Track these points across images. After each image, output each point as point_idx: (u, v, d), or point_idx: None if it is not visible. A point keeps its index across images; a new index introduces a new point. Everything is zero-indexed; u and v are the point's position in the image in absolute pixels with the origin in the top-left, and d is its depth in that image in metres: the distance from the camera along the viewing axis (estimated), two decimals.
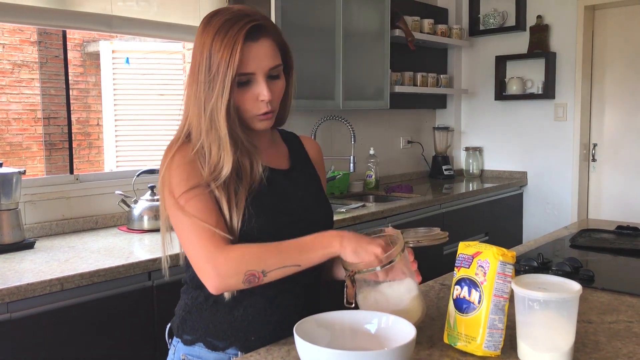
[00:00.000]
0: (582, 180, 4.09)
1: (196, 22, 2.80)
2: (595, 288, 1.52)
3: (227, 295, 1.16)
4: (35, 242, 2.16)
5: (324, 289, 1.23)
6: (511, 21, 4.24)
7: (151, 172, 2.60)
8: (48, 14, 2.31)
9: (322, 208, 1.33)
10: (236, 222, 1.15)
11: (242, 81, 1.15)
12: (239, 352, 1.20)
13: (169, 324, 1.32)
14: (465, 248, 1.12)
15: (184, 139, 1.20)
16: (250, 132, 1.23)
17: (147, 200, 2.47)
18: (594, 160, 4.12)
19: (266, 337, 1.19)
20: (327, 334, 1.05)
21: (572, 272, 1.60)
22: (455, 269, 1.13)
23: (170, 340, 1.30)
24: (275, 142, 1.36)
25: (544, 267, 1.67)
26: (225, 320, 1.20)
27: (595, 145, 4.10)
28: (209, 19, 1.17)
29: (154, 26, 2.65)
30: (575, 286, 1.06)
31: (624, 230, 2.16)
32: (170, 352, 1.28)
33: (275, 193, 1.24)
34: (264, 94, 1.16)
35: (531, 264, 1.67)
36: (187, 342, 1.23)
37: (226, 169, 1.15)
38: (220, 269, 1.08)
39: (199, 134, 1.17)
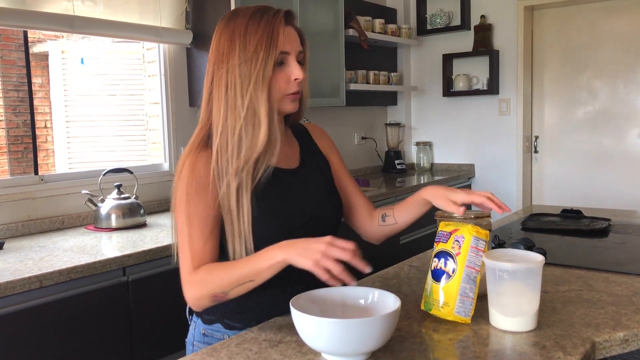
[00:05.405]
0: (525, 171, 4.34)
1: (156, 22, 2.83)
2: (548, 264, 1.67)
3: None
4: (3, 243, 2.16)
5: None
6: (457, 21, 4.44)
7: (117, 170, 2.62)
8: (9, 14, 2.28)
9: (332, 203, 1.38)
10: (247, 221, 1.20)
11: (277, 61, 1.21)
12: None
13: None
14: (445, 226, 1.26)
15: (205, 142, 1.24)
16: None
17: (114, 199, 2.49)
18: (535, 151, 4.37)
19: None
20: (317, 308, 1.14)
21: (526, 250, 1.74)
22: (434, 244, 1.26)
23: (190, 317, 1.38)
24: (288, 140, 1.38)
25: (499, 248, 1.81)
26: (240, 305, 1.27)
27: (536, 137, 4.35)
28: (232, 14, 1.23)
29: (117, 26, 2.64)
30: (538, 257, 1.19)
31: (568, 214, 2.35)
32: (191, 328, 1.35)
33: (283, 195, 1.28)
34: (296, 73, 1.22)
35: None
36: (206, 321, 1.32)
37: (261, 141, 1.19)
38: (191, 294, 1.18)
39: (234, 122, 1.20)
